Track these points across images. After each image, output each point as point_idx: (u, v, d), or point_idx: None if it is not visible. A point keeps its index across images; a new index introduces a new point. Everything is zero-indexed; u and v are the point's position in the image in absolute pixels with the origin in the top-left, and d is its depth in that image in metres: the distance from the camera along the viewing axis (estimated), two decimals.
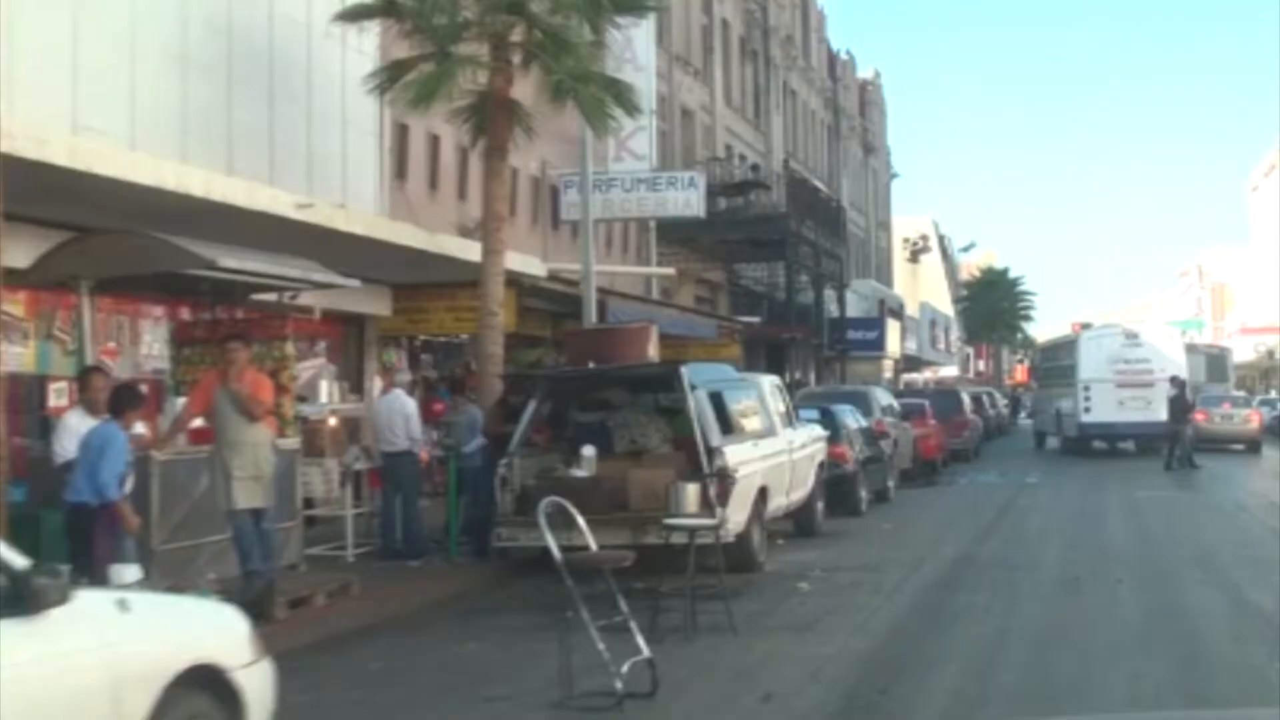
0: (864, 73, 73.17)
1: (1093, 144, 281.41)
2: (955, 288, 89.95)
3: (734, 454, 13.85)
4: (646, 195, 28.19)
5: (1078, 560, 15.36)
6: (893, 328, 47.72)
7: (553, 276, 21.67)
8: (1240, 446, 39.50)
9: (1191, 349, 51.05)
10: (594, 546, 9.71)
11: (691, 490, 13.26)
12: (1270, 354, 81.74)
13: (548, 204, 28.97)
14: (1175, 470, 30.46)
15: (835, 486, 20.33)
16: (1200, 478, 28.82)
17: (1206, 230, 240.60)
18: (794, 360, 44.92)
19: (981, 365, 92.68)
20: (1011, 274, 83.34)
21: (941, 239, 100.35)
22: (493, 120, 17.01)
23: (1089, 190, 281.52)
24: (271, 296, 14.56)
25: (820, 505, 18.36)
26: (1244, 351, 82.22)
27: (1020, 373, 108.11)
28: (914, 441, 29.24)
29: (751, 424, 15.41)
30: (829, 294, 42.33)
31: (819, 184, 41.55)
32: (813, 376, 43.42)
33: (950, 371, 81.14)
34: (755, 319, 36.74)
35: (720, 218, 35.81)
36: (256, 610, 11.16)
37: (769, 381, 16.89)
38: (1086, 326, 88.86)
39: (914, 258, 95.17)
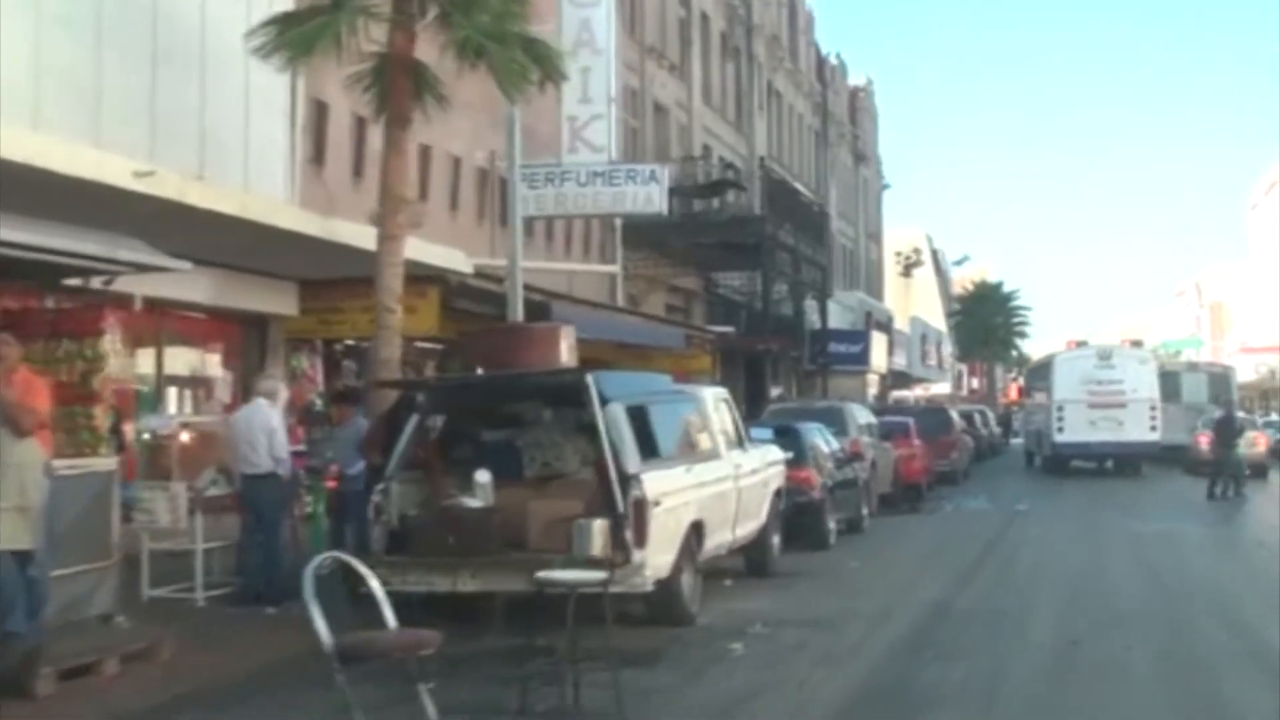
0: (856, 79, 70.79)
1: (1090, 160, 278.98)
2: (948, 302, 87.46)
3: (656, 482, 11.29)
4: (603, 190, 25.63)
5: (1076, 614, 12.80)
6: (879, 341, 45.11)
7: (481, 274, 19.10)
8: (1246, 472, 36.80)
9: (1193, 367, 48.72)
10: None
11: (598, 528, 10.74)
12: (1272, 374, 79.20)
13: (496, 198, 26.40)
14: (1220, 500, 27.68)
15: (798, 516, 17.78)
16: (1210, 509, 26.25)
17: (1205, 248, 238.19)
18: (774, 374, 42.41)
19: (975, 383, 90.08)
20: (1006, 288, 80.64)
21: (935, 253, 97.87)
22: (393, 84, 14.47)
23: (1087, 206, 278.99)
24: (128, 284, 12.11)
25: (776, 540, 15.79)
26: (1244, 371, 79.68)
27: (1014, 391, 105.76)
28: (895, 463, 26.68)
29: (686, 446, 12.84)
30: (810, 304, 39.77)
31: (799, 186, 39.00)
32: (795, 391, 40.89)
33: (943, 389, 78.65)
34: (728, 329, 34.16)
35: (693, 220, 33.34)
36: (13, 684, 8.62)
37: (712, 395, 14.30)
38: (1081, 344, 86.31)
39: (906, 272, 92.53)
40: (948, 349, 76.41)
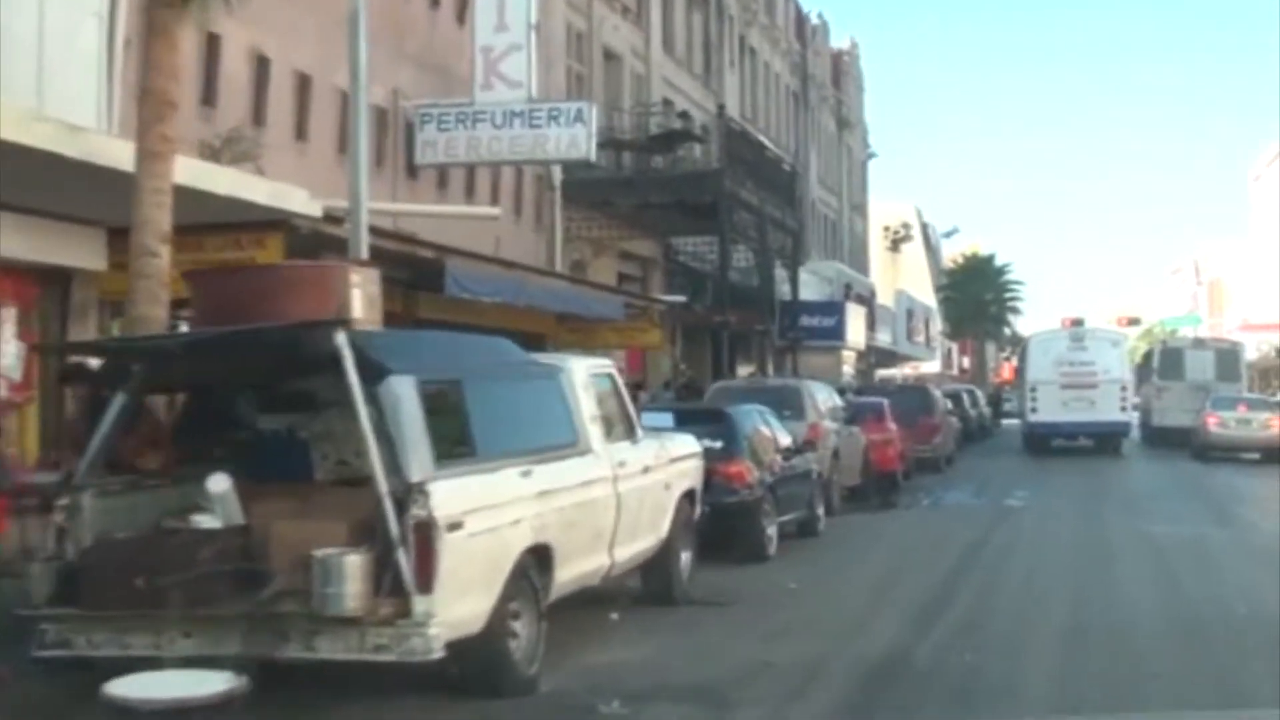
0: (840, 42, 66.95)
1: (1085, 134, 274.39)
2: (938, 278, 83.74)
3: (455, 494, 7.59)
4: (522, 133, 21.86)
5: (1082, 672, 9.09)
6: (855, 314, 41.29)
7: (330, 217, 15.32)
8: (1255, 456, 33.31)
9: (1199, 344, 45.22)
10: None
11: (349, 568, 7.01)
12: (1276, 352, 75.56)
13: (401, 145, 22.66)
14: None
15: (726, 521, 14.13)
16: (1226, 503, 22.54)
17: (1203, 223, 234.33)
18: (746, 351, 38.68)
19: (967, 362, 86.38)
20: (998, 262, 76.83)
21: (924, 227, 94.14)
22: None
23: (1081, 182, 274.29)
24: None
25: (686, 557, 12.09)
26: (1247, 350, 76.16)
27: (1007, 370, 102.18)
28: (865, 451, 22.98)
29: (528, 439, 9.08)
30: (782, 274, 35.99)
31: (765, 140, 35.17)
32: (770, 369, 37.12)
33: (932, 367, 74.95)
34: (679, 299, 30.42)
35: (642, 177, 29.54)
36: None
37: (584, 369, 10.47)
38: (1078, 322, 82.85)
39: (895, 247, 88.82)
40: (937, 326, 72.68)
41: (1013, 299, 77.44)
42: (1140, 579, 13.66)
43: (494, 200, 26.25)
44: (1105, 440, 36.85)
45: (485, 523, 7.78)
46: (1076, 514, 20.36)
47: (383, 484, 7.21)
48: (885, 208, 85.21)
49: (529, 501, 8.47)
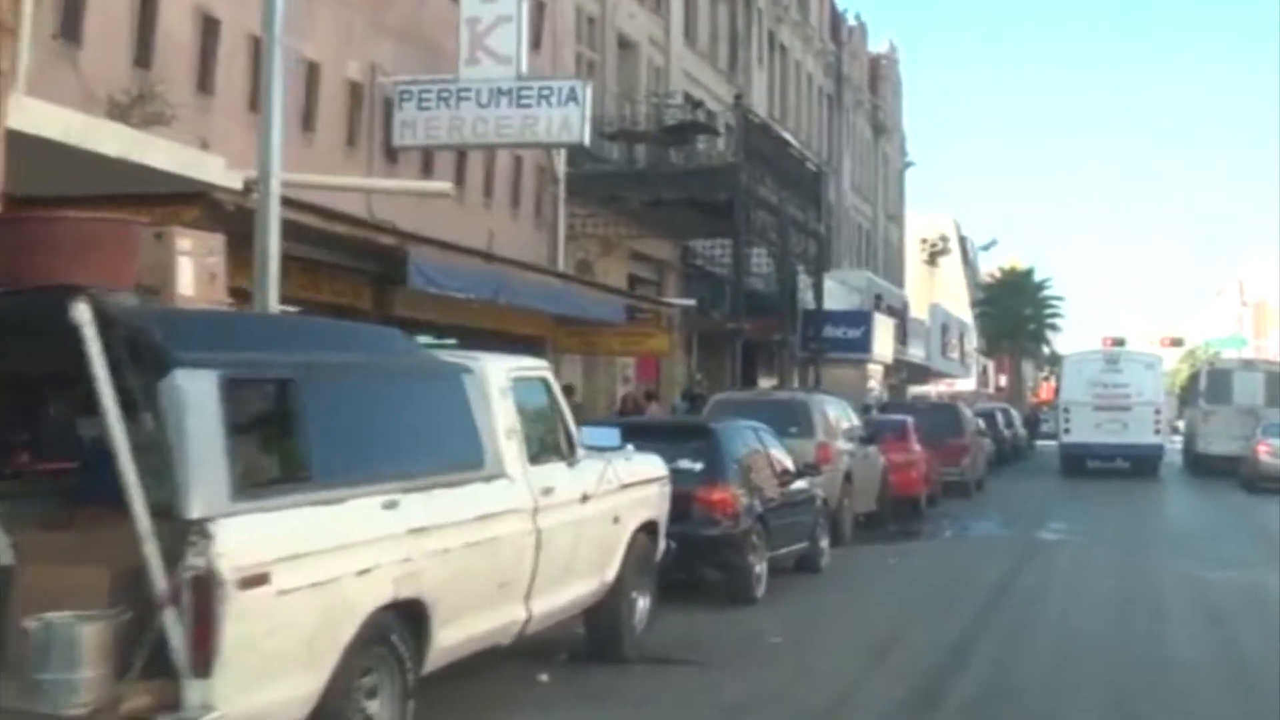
0: (878, 46, 64.76)
1: (1130, 150, 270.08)
2: (974, 292, 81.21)
3: (259, 535, 5.48)
4: (509, 113, 19.82)
5: None
6: (884, 326, 38.92)
7: (252, 189, 13.22)
8: None
9: (1248, 365, 42.73)
10: None
11: (86, 640, 4.89)
12: None
13: (379, 123, 20.63)
14: None
15: (707, 556, 12.02)
16: None
17: (1249, 243, 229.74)
18: (771, 363, 36.47)
19: (1004, 380, 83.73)
20: (1037, 277, 74.19)
21: (963, 241, 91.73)
22: None
23: (1126, 197, 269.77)
24: None
25: (643, 604, 9.96)
26: None
27: (1046, 390, 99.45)
28: (883, 473, 20.78)
29: (401, 459, 6.90)
30: (805, 281, 33.80)
31: (788, 136, 32.95)
32: (796, 381, 34.89)
33: (967, 385, 72.44)
34: (689, 302, 28.29)
35: (654, 172, 27.45)
36: None
37: (497, 370, 8.25)
38: (1119, 342, 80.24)
39: (932, 260, 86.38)
40: (972, 342, 70.18)
41: (1052, 315, 74.84)
42: (1195, 639, 11.39)
43: (487, 191, 24.20)
44: (1141, 463, 36.59)
45: (310, 574, 5.67)
46: (1117, 552, 18.08)
47: (143, 521, 5.11)
48: (922, 219, 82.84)
49: (393, 542, 6.35)
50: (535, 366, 8.94)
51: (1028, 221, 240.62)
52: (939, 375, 62.54)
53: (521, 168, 25.26)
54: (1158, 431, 37.68)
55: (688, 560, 11.88)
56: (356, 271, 18.00)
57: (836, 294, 38.73)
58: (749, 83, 40.23)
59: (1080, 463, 37.26)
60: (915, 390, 57.57)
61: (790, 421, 17.84)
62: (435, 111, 20.06)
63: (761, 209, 28.23)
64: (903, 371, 51.97)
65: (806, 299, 34.12)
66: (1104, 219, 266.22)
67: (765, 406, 18.48)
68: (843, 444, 18.73)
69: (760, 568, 12.83)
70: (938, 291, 74.47)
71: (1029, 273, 72.92)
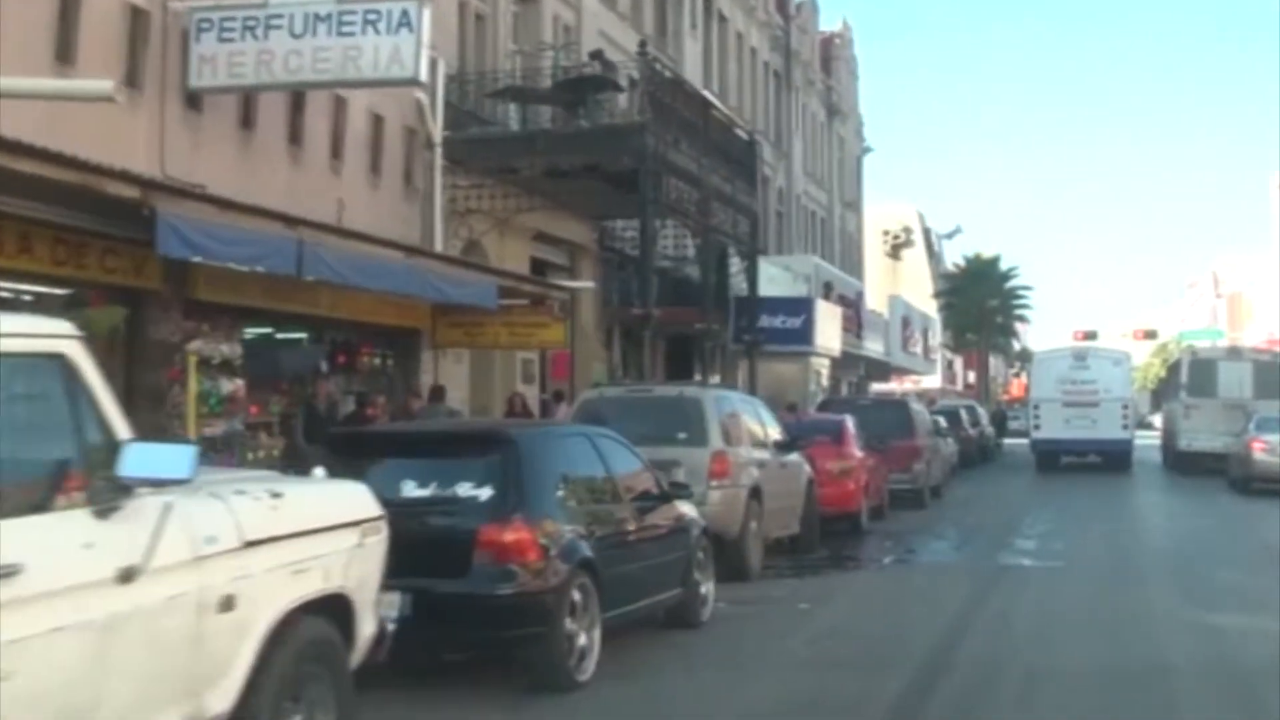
0: (832, 25, 60.89)
1: (1099, 142, 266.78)
2: (939, 283, 77.40)
3: None
4: (327, 44, 15.74)
5: None
6: (829, 315, 34.79)
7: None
8: None
9: (1234, 354, 39.04)
10: None
11: None
12: None
13: (175, 62, 16.45)
14: None
15: (493, 628, 8.02)
16: None
17: (1221, 236, 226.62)
18: (707, 356, 32.44)
19: (973, 376, 79.94)
20: (1003, 265, 70.27)
21: (927, 232, 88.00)
22: None
23: (1095, 189, 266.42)
24: None
25: None
26: None
27: (1017, 387, 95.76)
28: (807, 487, 16.79)
29: None
30: (737, 263, 29.80)
31: (711, 96, 28.91)
32: (740, 377, 30.84)
33: (932, 382, 68.65)
34: (586, 284, 24.30)
35: (545, 136, 23.33)
36: None
37: None
38: (1090, 335, 76.90)
39: (895, 253, 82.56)
40: (937, 336, 66.32)
41: (1020, 306, 70.96)
42: None
43: (335, 153, 20.08)
44: (1111, 458, 36.91)
45: None
46: (1098, 585, 14.07)
47: None
48: (884, 210, 79.01)
49: None
50: (26, 331, 4.80)
51: (994, 212, 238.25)
52: (901, 371, 58.66)
53: (383, 127, 21.13)
54: (1126, 427, 37.72)
55: (463, 634, 7.94)
56: (127, 241, 13.92)
57: (780, 281, 34.74)
58: (680, 51, 36.24)
59: (1053, 458, 37.57)
60: (878, 388, 53.74)
61: (678, 425, 13.94)
62: (240, 44, 15.99)
63: (677, 178, 24.19)
64: (860, 367, 48.07)
65: (741, 285, 30.11)
66: (1073, 210, 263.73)
67: (647, 406, 14.54)
68: (749, 452, 14.72)
69: (586, 637, 8.77)
70: (901, 285, 70.65)
71: (994, 261, 69.03)
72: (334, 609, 6.04)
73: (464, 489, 8.36)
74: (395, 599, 7.83)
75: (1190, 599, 12.83)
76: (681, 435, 13.84)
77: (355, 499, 6.39)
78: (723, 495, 13.67)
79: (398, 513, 8.13)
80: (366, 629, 6.34)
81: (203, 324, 16.56)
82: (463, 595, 8.11)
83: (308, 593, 5.78)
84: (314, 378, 18.62)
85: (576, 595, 8.68)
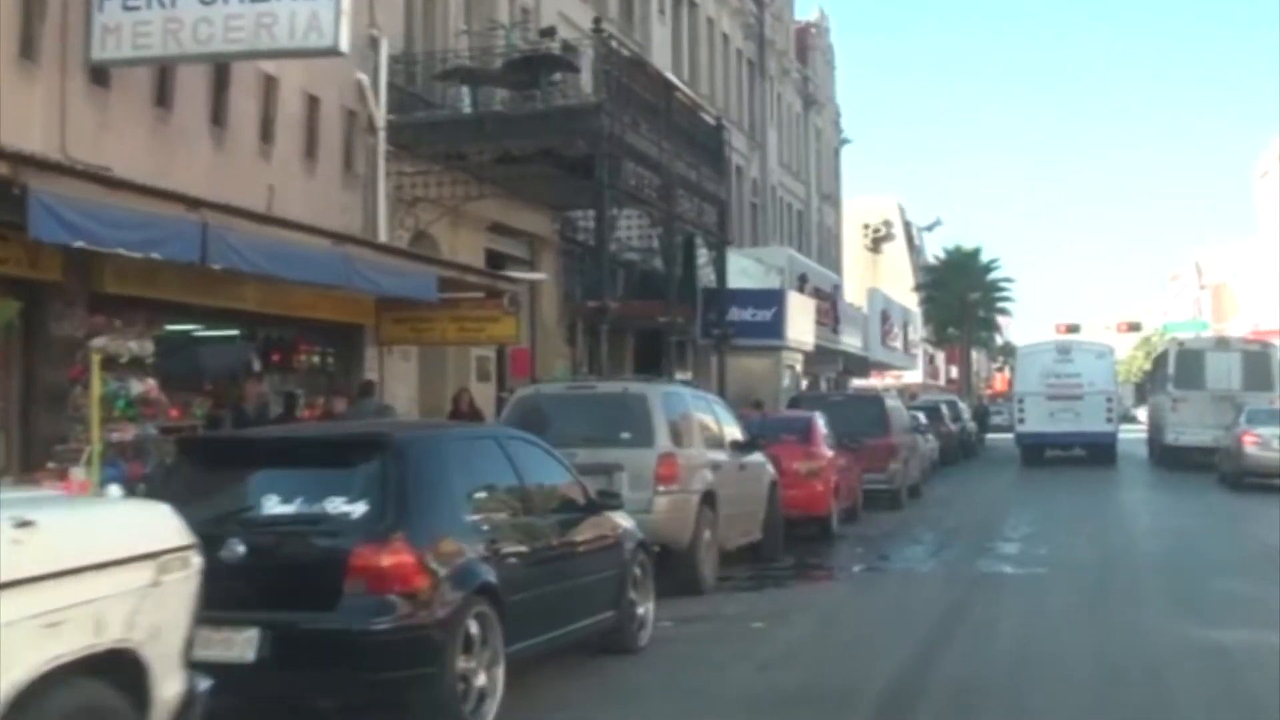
0: (808, 15, 59.66)
1: (1079, 135, 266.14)
2: (920, 276, 76.18)
3: None
4: (239, 11, 14.37)
5: None
6: (801, 307, 33.41)
7: None
8: None
9: (1222, 345, 37.92)
10: None
11: None
12: None
13: (77, 32, 15.04)
14: None
15: (367, 670, 6.70)
16: None
17: (1204, 227, 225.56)
18: (679, 352, 31.12)
19: (955, 371, 78.77)
20: (984, 257, 68.97)
21: (908, 226, 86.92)
22: None
23: (1076, 182, 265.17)
24: None
25: None
26: None
27: (1000, 381, 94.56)
28: (770, 490, 15.47)
29: None
30: (704, 254, 28.49)
31: (673, 78, 27.57)
32: (713, 372, 29.48)
33: (914, 377, 67.47)
34: (535, 275, 22.97)
35: (496, 119, 21.98)
36: None
37: None
38: (1073, 328, 75.80)
39: (875, 247, 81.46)
40: (918, 331, 65.05)
41: (1002, 299, 69.75)
42: None
43: (265, 136, 18.69)
44: (1096, 450, 36.94)
45: None
46: (1088, 595, 12.79)
47: None
48: (864, 204, 77.88)
49: None
50: None
51: (975, 206, 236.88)
52: (881, 366, 57.40)
53: (318, 108, 19.77)
54: (1110, 420, 37.75)
55: (331, 678, 6.62)
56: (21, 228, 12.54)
57: (751, 273, 33.42)
58: (648, 36, 34.96)
59: (1038, 452, 37.54)
60: (858, 384, 52.53)
61: (622, 424, 12.62)
62: (146, 13, 14.62)
63: (636, 162, 22.86)
64: (838, 363, 46.79)
65: (709, 277, 28.80)
66: (1055, 203, 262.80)
67: (588, 405, 13.23)
68: (703, 453, 13.40)
69: (486, 676, 7.43)
70: (882, 280, 69.41)
71: (975, 253, 67.72)
72: (116, 668, 4.70)
73: (336, 504, 7.05)
74: (252, 637, 6.55)
75: (1188, 612, 11.54)
76: (625, 436, 12.54)
77: (151, 525, 5.04)
78: (671, 501, 12.36)
79: (256, 534, 6.86)
80: (168, 691, 5.00)
81: (114, 319, 15.23)
82: (330, 632, 6.79)
83: (69, 651, 4.44)
84: (243, 377, 17.33)
85: (473, 627, 7.35)
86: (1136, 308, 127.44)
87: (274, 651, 6.76)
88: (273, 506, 7.16)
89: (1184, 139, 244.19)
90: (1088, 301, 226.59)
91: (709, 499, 13.02)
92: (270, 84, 18.55)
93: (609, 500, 9.44)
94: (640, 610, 9.95)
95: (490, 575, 7.56)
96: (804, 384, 39.77)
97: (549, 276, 26.14)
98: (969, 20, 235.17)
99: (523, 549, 8.14)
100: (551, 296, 27.27)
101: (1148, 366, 66.38)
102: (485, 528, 7.81)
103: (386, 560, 6.90)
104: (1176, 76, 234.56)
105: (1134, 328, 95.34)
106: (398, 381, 21.46)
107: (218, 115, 17.54)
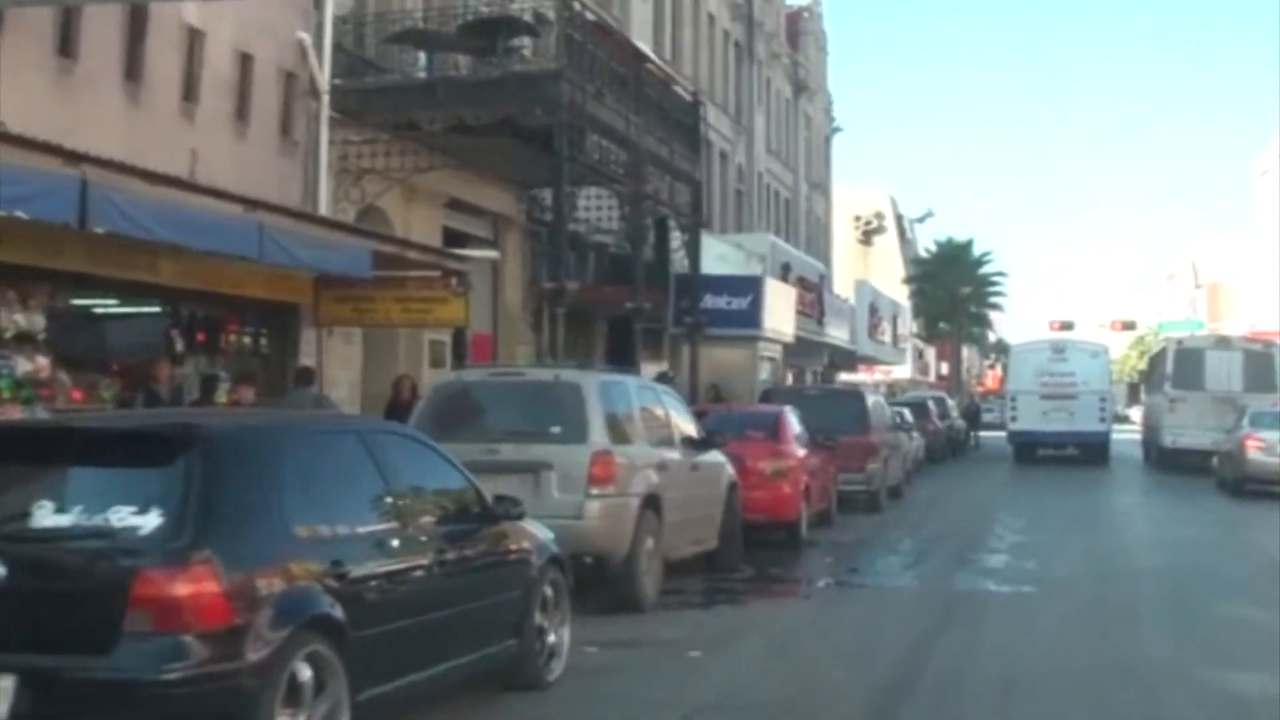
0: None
1: (1075, 131, 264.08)
2: (910, 269, 74.62)
3: None
4: None
5: None
6: (780, 295, 31.69)
7: None
8: None
9: (1223, 343, 36.44)
10: None
11: None
12: None
13: None
14: None
15: None
16: None
17: (1200, 226, 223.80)
18: (654, 342, 29.58)
19: (945, 368, 77.26)
20: (976, 250, 67.36)
21: (900, 219, 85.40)
22: None
23: (1071, 177, 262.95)
24: None
25: None
26: None
27: (992, 379, 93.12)
28: (728, 492, 13.89)
29: None
30: (677, 238, 26.91)
31: (645, 49, 25.95)
32: (685, 364, 27.90)
33: (902, 372, 66.00)
34: (491, 254, 21.41)
35: (448, 84, 20.37)
36: None
37: None
38: (1066, 325, 74.16)
39: (866, 239, 79.87)
40: (908, 325, 63.48)
41: (994, 294, 68.20)
42: None
43: (188, 95, 17.06)
44: (1089, 450, 36.60)
45: None
46: (1080, 622, 11.19)
47: None
48: (856, 195, 76.37)
49: None
50: None
51: (969, 200, 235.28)
52: (869, 361, 55.86)
53: (251, 68, 18.14)
54: (1103, 419, 37.52)
55: None
56: None
57: (731, 259, 31.85)
58: (627, 13, 33.30)
59: (1030, 450, 37.25)
60: (848, 378, 51.03)
61: (552, 417, 11.04)
62: None
63: (601, 135, 21.27)
64: (824, 356, 45.24)
65: (684, 262, 27.23)
66: (1049, 199, 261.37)
67: (515, 394, 11.64)
68: (647, 451, 11.80)
69: None
70: (873, 273, 67.87)
71: (967, 246, 66.14)
72: None
73: (122, 515, 5.46)
74: (5, 687, 4.98)
75: (1196, 645, 9.98)
76: (555, 430, 10.96)
77: None
78: (605, 506, 10.78)
79: (19, 552, 5.28)
80: None
81: (8, 290, 13.74)
82: (103, 683, 5.21)
83: None
84: (155, 357, 15.77)
85: (303, 672, 5.77)
86: (1131, 306, 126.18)
87: (33, 707, 5.20)
88: (44, 517, 5.58)
89: (1179, 137, 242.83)
90: (1082, 299, 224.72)
91: (653, 503, 11.44)
92: (195, 37, 16.96)
93: (509, 508, 7.84)
94: (551, 638, 8.37)
95: (329, 605, 5.98)
96: (789, 378, 38.28)
97: (505, 257, 24.57)
98: (964, 13, 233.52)
99: (385, 570, 6.55)
100: (516, 280, 25.71)
101: (1142, 366, 65.00)
102: (329, 545, 6.21)
103: (182, 588, 5.32)
104: (1175, 73, 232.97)
105: (1128, 326, 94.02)
106: (339, 366, 19.88)
107: (132, 69, 15.92)
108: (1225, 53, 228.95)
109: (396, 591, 6.62)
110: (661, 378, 27.21)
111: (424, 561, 6.92)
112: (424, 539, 7.02)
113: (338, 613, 6.02)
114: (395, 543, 6.74)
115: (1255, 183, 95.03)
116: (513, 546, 7.99)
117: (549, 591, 8.35)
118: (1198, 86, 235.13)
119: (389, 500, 6.86)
